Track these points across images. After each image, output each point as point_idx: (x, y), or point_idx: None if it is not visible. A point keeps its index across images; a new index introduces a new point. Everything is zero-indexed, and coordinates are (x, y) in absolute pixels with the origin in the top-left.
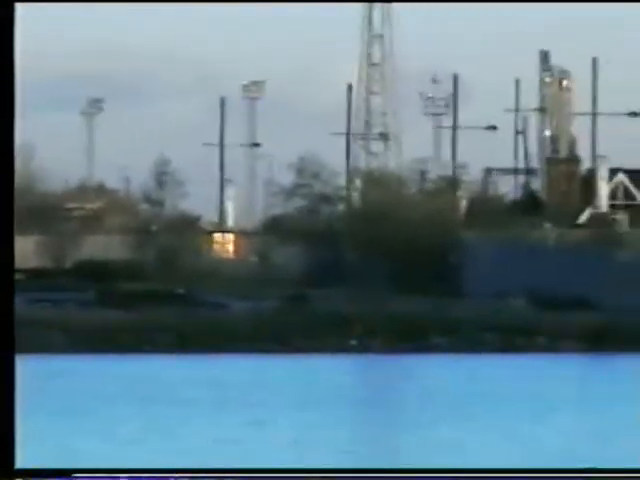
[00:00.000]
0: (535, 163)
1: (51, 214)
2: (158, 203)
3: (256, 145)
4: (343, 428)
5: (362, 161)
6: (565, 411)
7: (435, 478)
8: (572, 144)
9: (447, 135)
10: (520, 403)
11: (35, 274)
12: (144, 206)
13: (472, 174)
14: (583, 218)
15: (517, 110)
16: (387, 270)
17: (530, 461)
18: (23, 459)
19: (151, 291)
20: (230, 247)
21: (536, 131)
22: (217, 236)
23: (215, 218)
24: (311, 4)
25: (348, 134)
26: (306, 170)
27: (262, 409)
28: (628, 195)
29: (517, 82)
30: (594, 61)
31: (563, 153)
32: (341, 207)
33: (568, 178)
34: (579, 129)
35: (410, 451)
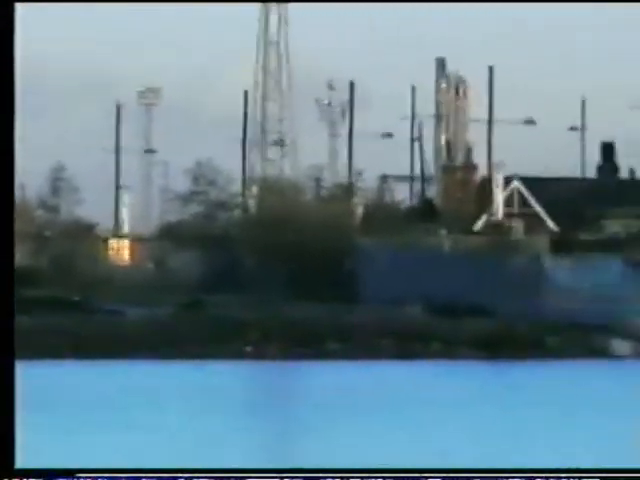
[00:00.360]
0: (431, 170)
1: None
2: (53, 209)
3: (152, 151)
4: (234, 434)
5: (258, 168)
6: (459, 415)
7: (432, 478)
8: (468, 151)
9: (343, 142)
10: (415, 408)
11: None
12: (39, 212)
13: (368, 181)
14: (479, 225)
15: (413, 117)
16: (283, 276)
17: (427, 462)
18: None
19: (45, 298)
20: (126, 253)
21: (432, 138)
22: (112, 242)
23: (111, 224)
24: (207, 8)
25: (244, 141)
26: (202, 176)
27: (155, 415)
28: (523, 202)
29: (413, 89)
30: (490, 69)
31: (459, 160)
32: (237, 213)
33: (464, 185)
34: (475, 136)
35: (304, 456)
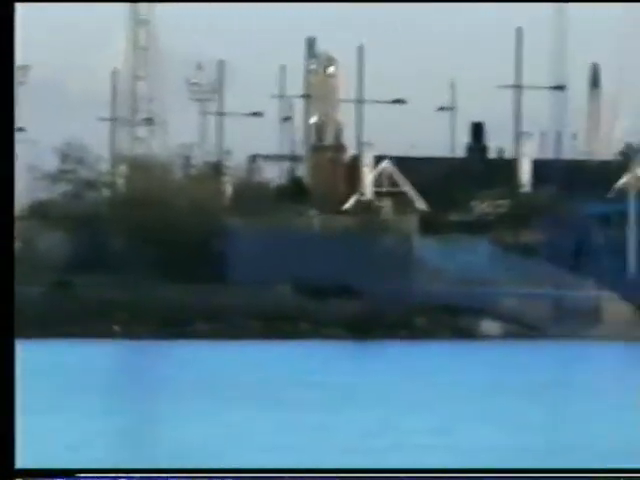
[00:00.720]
0: (301, 150)
1: None
2: None
3: (20, 130)
4: (91, 415)
5: (127, 146)
6: (327, 394)
7: (429, 478)
8: (338, 131)
9: (213, 121)
10: (282, 388)
11: None
12: None
13: (237, 160)
14: (348, 205)
15: (283, 97)
16: (152, 256)
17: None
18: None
19: None
20: None
21: (302, 118)
22: None
23: None
24: None
25: (113, 119)
26: (71, 155)
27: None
28: (393, 182)
29: (283, 69)
30: (360, 49)
31: (329, 140)
32: (106, 192)
33: (333, 165)
34: (345, 116)
35: (163, 435)
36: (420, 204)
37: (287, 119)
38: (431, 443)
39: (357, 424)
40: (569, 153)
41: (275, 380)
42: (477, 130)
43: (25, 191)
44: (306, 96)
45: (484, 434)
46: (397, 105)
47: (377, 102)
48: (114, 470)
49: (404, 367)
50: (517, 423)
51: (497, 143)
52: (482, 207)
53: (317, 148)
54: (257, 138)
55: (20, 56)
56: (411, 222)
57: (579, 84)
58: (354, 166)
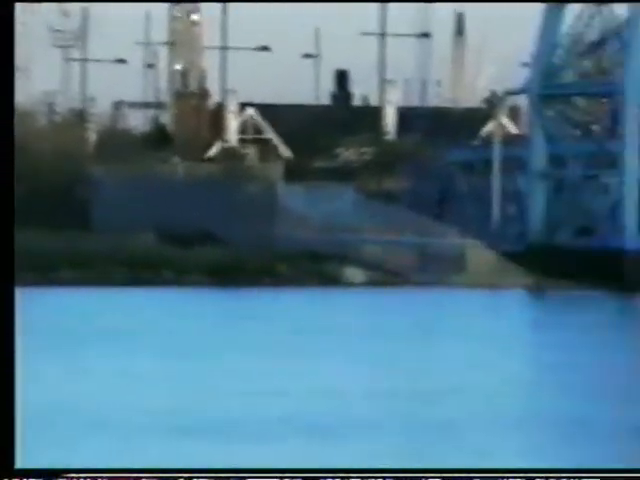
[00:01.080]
0: (165, 97)
1: None
2: None
3: None
4: None
5: None
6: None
7: (432, 478)
8: (202, 78)
9: (76, 68)
10: (146, 334)
11: None
12: None
13: (102, 107)
14: (213, 152)
15: (147, 44)
16: (14, 203)
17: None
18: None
19: None
20: None
21: (166, 65)
22: None
23: None
24: None
25: None
26: None
27: None
28: (257, 129)
29: (147, 16)
30: None
31: (193, 87)
32: None
33: (197, 112)
34: (209, 63)
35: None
36: (285, 151)
37: (151, 66)
38: (306, 387)
39: (226, 370)
40: (434, 101)
41: (138, 326)
42: (341, 78)
43: None
44: (170, 43)
45: (355, 377)
46: (262, 53)
47: (241, 49)
48: (113, 470)
49: (268, 314)
50: (386, 366)
51: (362, 91)
52: (347, 154)
53: (181, 95)
54: (121, 85)
55: None
56: (276, 169)
57: (444, 32)
58: (218, 113)
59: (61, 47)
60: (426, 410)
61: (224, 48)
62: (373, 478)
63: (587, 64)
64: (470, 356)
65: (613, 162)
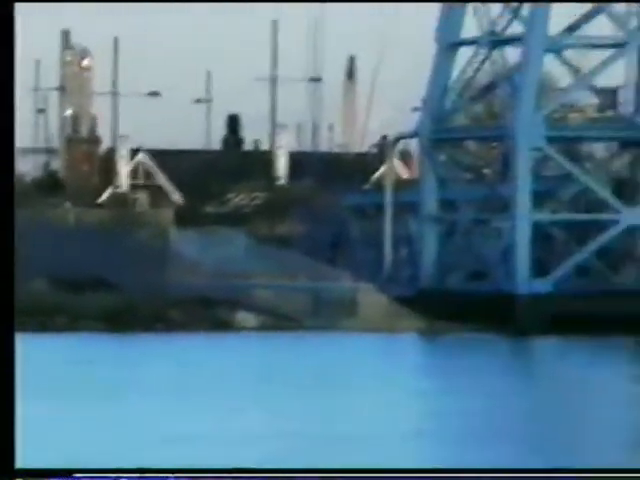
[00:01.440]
0: (56, 143)
1: None
2: None
3: None
4: None
5: None
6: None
7: (433, 478)
8: (93, 124)
9: None
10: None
11: None
12: None
13: None
14: (104, 198)
15: (37, 89)
16: None
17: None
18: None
19: None
20: None
21: (57, 111)
22: None
23: None
24: None
25: None
26: None
27: None
28: (148, 175)
29: (37, 61)
30: (115, 40)
31: (84, 133)
32: None
33: (89, 158)
34: (100, 109)
35: None
36: (176, 197)
37: (41, 111)
38: (202, 432)
39: (121, 417)
40: (326, 145)
41: (36, 373)
42: (233, 122)
43: None
44: (61, 88)
45: (250, 422)
46: (153, 98)
47: (132, 95)
48: (111, 470)
49: (162, 359)
50: (278, 412)
51: (254, 136)
52: (238, 199)
53: (72, 141)
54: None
55: None
56: (167, 215)
57: (335, 76)
58: (110, 159)
59: None
60: (302, 457)
61: (115, 93)
62: (374, 478)
63: (478, 108)
64: (359, 403)
65: (504, 206)
